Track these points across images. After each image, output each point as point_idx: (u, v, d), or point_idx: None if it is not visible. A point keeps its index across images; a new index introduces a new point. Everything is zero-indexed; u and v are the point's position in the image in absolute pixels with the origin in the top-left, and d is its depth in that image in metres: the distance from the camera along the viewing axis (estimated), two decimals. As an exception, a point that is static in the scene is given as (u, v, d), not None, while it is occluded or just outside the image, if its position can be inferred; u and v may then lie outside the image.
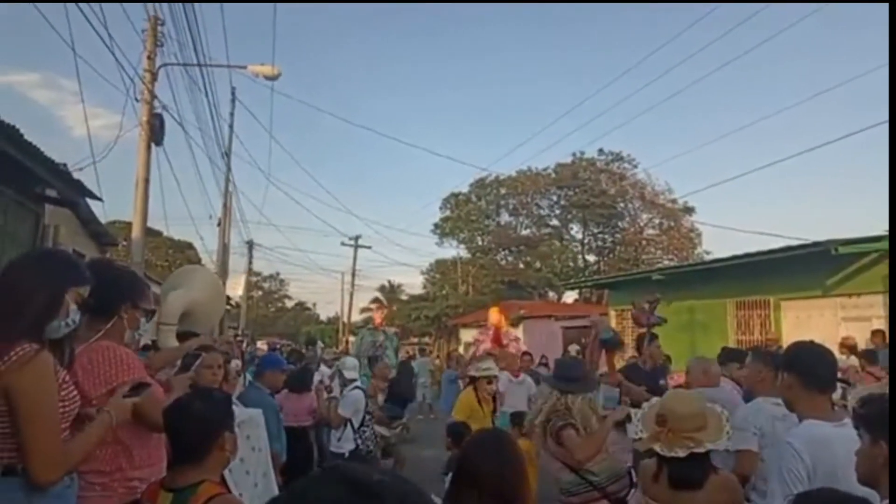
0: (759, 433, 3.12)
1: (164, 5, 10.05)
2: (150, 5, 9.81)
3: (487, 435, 2.44)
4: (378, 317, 8.97)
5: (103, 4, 7.66)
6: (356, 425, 6.00)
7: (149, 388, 2.36)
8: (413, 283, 58.71)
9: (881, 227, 9.87)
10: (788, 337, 11.22)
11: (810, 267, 10.73)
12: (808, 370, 2.40)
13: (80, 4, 7.06)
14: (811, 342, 2.66)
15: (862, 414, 1.84)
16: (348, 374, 6.45)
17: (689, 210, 37.43)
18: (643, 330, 6.33)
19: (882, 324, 9.90)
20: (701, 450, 2.37)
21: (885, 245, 9.76)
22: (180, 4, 10.14)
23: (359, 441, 5.99)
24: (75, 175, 8.03)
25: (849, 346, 9.07)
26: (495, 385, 5.97)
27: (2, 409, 1.92)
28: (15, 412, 1.91)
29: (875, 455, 1.70)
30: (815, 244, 10.41)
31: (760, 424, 3.14)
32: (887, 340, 9.35)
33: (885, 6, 3.93)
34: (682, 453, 2.36)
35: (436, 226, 43.24)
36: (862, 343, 9.38)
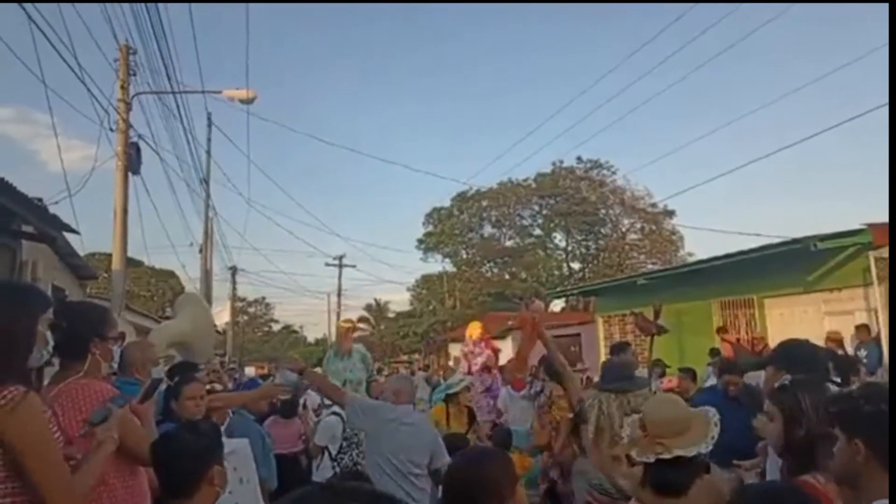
0: None
1: (135, 35, 10.01)
2: (120, 34, 9.77)
3: (476, 452, 2.43)
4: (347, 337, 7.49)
5: (72, 35, 7.62)
6: (333, 453, 5.78)
7: (124, 399, 2.32)
8: (400, 300, 58.53)
9: (857, 222, 10.06)
10: (773, 335, 11.31)
11: (791, 264, 10.85)
12: (806, 370, 2.42)
13: (49, 36, 7.01)
14: (805, 341, 2.69)
15: (834, 412, 1.82)
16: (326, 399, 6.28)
17: (669, 213, 37.86)
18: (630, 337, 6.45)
19: (864, 317, 10.03)
20: (667, 455, 2.37)
21: (862, 238, 9.91)
22: (151, 34, 10.10)
23: (337, 469, 5.81)
24: (52, 209, 7.92)
25: (836, 341, 9.18)
26: (473, 394, 5.88)
27: None
28: (18, 458, 1.87)
29: (852, 454, 1.69)
30: (795, 241, 10.53)
31: None
32: (872, 334, 9.49)
33: (885, 6, 4.00)
34: (651, 458, 2.38)
35: (420, 241, 43.35)
36: (847, 337, 9.50)
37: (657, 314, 6.79)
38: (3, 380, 1.91)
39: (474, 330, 8.18)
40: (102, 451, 2.13)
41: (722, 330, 11.64)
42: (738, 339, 11.53)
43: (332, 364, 7.00)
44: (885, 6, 4.01)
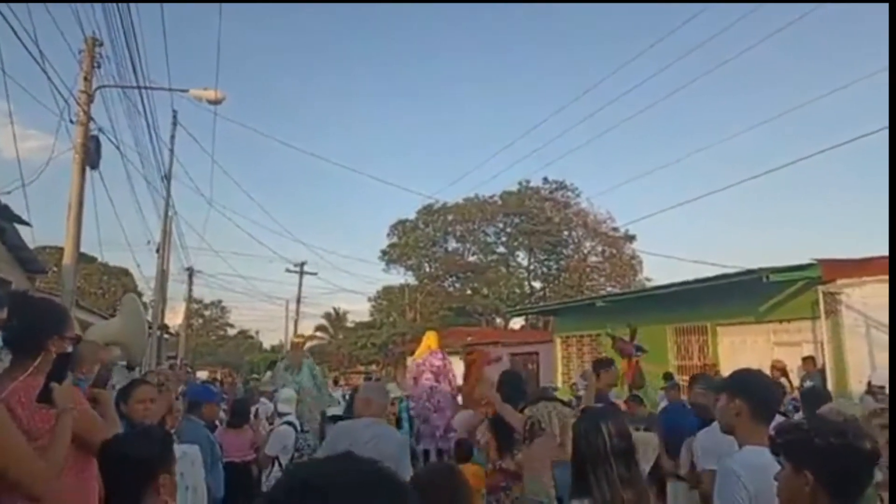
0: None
1: (103, 27, 9.77)
2: (87, 26, 9.52)
3: (438, 468, 2.45)
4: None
5: (36, 23, 7.40)
6: (284, 464, 5.60)
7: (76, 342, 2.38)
8: (360, 311, 58.03)
9: (808, 257, 10.42)
10: (724, 362, 11.59)
11: (744, 294, 11.16)
12: (760, 399, 2.48)
13: (10, 22, 6.79)
14: (759, 371, 2.77)
15: (781, 443, 1.90)
16: (282, 408, 6.19)
17: (630, 238, 38.54)
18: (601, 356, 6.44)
19: (811, 349, 10.37)
20: None
21: (812, 273, 10.26)
22: (120, 28, 9.87)
23: None
24: (2, 199, 7.66)
25: (779, 368, 9.49)
26: (395, 408, 5.87)
27: None
28: None
29: (800, 484, 1.77)
30: (748, 272, 10.84)
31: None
32: (817, 366, 9.82)
33: (885, 6, 4.14)
34: None
35: (383, 252, 43.18)
36: (793, 368, 9.81)
37: (633, 335, 6.75)
38: None
39: (433, 340, 8.30)
40: (65, 422, 2.12)
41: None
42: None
43: (282, 376, 7.75)
44: (884, 6, 4.19)
